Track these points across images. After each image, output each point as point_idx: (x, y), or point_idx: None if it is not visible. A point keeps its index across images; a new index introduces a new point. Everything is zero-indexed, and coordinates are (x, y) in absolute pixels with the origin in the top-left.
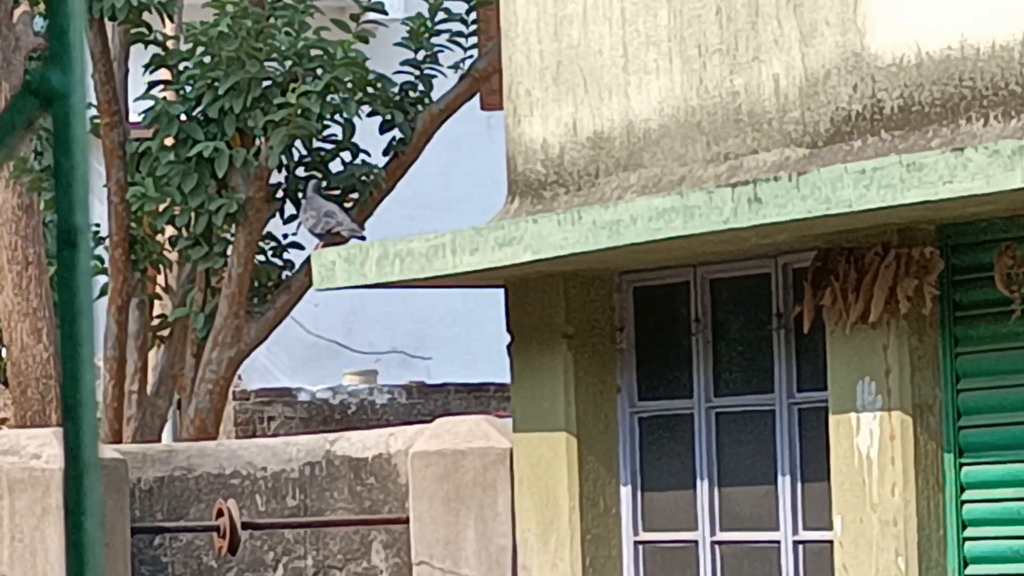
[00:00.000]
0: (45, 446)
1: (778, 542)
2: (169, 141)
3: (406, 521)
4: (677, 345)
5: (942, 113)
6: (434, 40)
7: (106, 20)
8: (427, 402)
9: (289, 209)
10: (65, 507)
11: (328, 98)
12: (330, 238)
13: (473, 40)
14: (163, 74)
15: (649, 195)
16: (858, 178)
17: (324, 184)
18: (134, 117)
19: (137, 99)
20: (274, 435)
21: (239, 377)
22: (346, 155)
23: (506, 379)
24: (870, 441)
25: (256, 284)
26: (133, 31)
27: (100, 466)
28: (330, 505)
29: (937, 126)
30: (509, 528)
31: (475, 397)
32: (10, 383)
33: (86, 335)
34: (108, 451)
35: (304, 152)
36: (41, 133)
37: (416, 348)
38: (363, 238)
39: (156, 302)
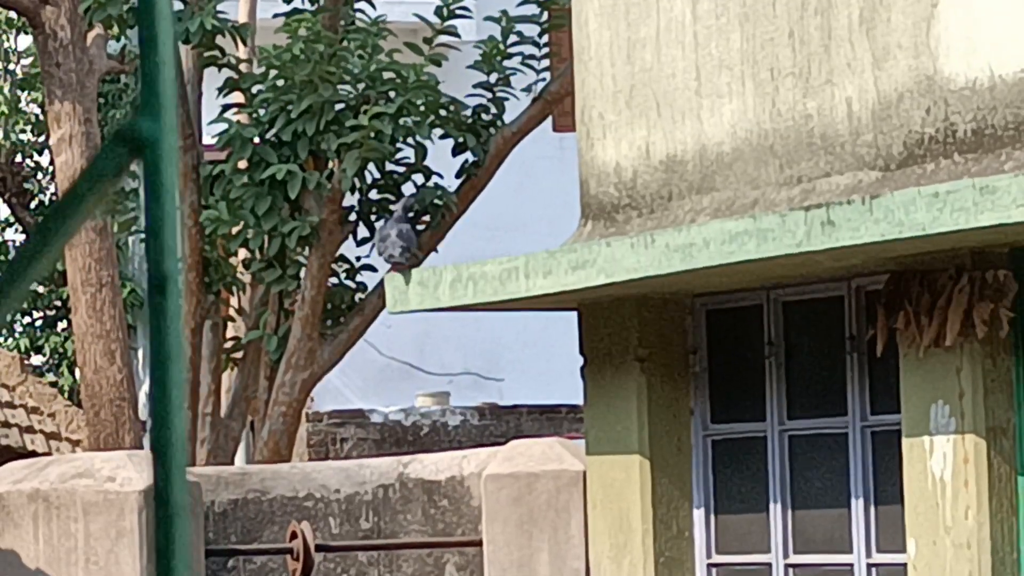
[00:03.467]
0: (119, 469)
1: (851, 565)
2: (242, 164)
3: (479, 544)
4: (750, 368)
5: (1015, 136)
6: (506, 63)
7: (179, 44)
8: (499, 423)
9: (362, 231)
10: (156, 552)
11: (401, 121)
12: (392, 263)
13: (545, 63)
14: (236, 97)
15: (722, 218)
16: (931, 201)
17: (408, 205)
18: (207, 140)
19: (211, 122)
20: (347, 457)
21: (311, 399)
22: (419, 178)
23: (578, 400)
24: (943, 464)
25: (329, 306)
26: (206, 54)
27: (190, 509)
28: (403, 527)
29: (1010, 149)
30: (582, 551)
31: (547, 419)
32: (84, 405)
33: (176, 380)
34: None
35: (377, 175)
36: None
37: (488, 369)
38: (406, 266)
39: (229, 324)
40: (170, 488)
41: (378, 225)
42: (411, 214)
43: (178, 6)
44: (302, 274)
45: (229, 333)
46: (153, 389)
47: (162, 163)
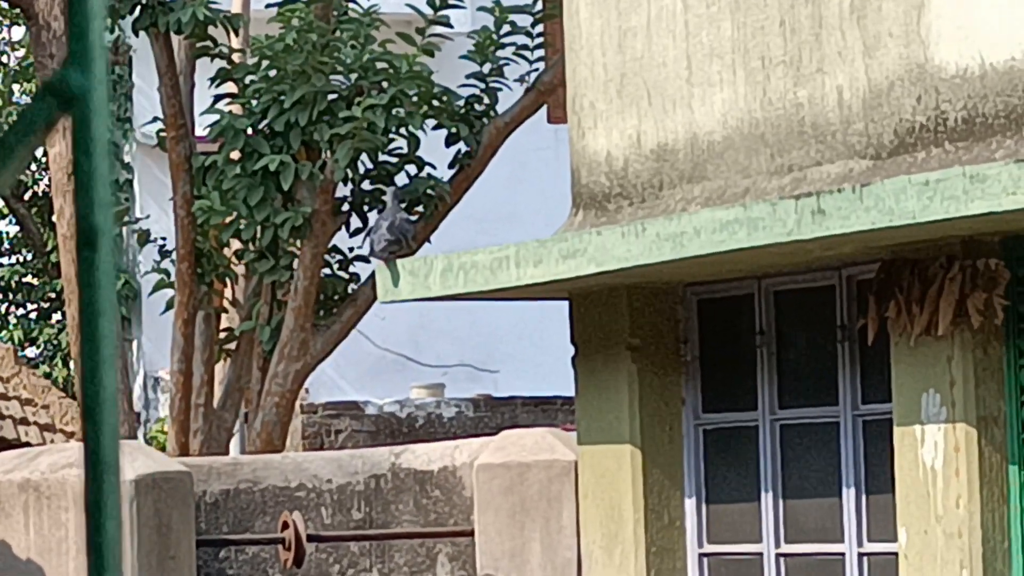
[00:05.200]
0: None
1: (843, 554)
2: (235, 155)
3: (471, 534)
4: (741, 357)
5: (1006, 124)
6: (500, 53)
7: (172, 34)
8: (494, 415)
9: (355, 222)
10: (86, 508)
11: (393, 111)
12: (377, 257)
13: (539, 53)
14: (229, 88)
15: (713, 207)
16: (922, 189)
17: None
18: (200, 131)
19: (203, 113)
20: (341, 448)
21: (306, 391)
22: (411, 168)
23: (572, 392)
24: (935, 453)
25: (322, 297)
26: (199, 45)
27: (120, 467)
28: (395, 518)
29: (1001, 137)
30: (574, 541)
31: (542, 410)
32: (78, 396)
33: (106, 335)
34: (174, 464)
35: (370, 165)
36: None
37: (483, 361)
38: (382, 258)
39: (222, 315)
40: (100, 445)
41: (371, 216)
42: (403, 203)
43: None
44: (295, 265)
45: (222, 324)
46: (83, 345)
47: (92, 116)
